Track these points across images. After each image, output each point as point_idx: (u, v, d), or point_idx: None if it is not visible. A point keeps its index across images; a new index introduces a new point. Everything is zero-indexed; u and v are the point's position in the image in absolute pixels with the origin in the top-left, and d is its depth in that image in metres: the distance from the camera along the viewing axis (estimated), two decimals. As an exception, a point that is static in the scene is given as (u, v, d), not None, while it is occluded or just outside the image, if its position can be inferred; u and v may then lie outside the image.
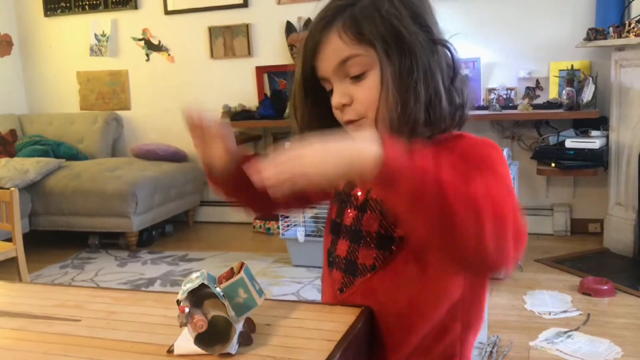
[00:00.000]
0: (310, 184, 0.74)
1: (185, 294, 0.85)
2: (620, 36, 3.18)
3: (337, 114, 0.97)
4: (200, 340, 0.83)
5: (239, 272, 0.89)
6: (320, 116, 1.00)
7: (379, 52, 0.90)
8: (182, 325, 0.83)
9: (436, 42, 0.92)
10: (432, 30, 0.93)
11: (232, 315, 0.85)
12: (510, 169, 0.88)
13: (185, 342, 0.84)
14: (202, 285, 0.85)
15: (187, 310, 0.82)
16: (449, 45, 0.94)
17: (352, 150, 0.75)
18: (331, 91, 0.97)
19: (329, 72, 0.94)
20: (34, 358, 0.85)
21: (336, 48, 0.92)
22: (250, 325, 0.91)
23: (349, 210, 1.02)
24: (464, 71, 0.96)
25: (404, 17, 0.90)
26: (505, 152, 3.11)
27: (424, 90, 0.90)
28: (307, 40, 0.95)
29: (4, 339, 0.93)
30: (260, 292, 0.90)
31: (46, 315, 1.00)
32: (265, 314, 0.97)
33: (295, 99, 1.00)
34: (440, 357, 0.95)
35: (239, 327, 0.86)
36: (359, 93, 0.93)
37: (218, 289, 0.86)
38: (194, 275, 0.89)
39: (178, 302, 0.85)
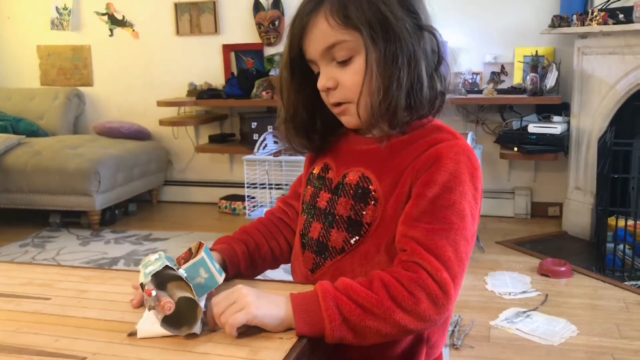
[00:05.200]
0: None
1: (149, 277, 0.84)
2: (583, 24, 3.25)
3: (323, 96, 0.99)
4: (166, 322, 0.82)
5: (197, 252, 0.90)
6: (306, 97, 1.01)
7: (365, 38, 0.90)
8: (150, 308, 0.83)
9: (423, 29, 0.93)
10: (419, 15, 0.93)
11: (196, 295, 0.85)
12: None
13: (149, 324, 0.83)
14: (165, 267, 0.85)
15: (154, 293, 0.82)
16: (434, 31, 0.94)
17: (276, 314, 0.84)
18: (318, 73, 0.97)
19: (316, 56, 0.95)
20: (4, 336, 0.84)
21: (323, 32, 0.93)
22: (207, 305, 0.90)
23: (323, 193, 1.03)
24: (452, 62, 0.97)
25: (392, 2, 0.91)
26: (469, 136, 3.16)
27: (407, 77, 0.91)
28: (295, 21, 0.96)
29: (-29, 317, 0.91)
30: (220, 271, 0.91)
31: (14, 293, 0.99)
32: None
33: (282, 80, 1.01)
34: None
35: (202, 307, 0.86)
36: (345, 77, 0.94)
37: (181, 270, 0.87)
38: (153, 257, 0.89)
39: (142, 285, 0.85)
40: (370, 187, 0.96)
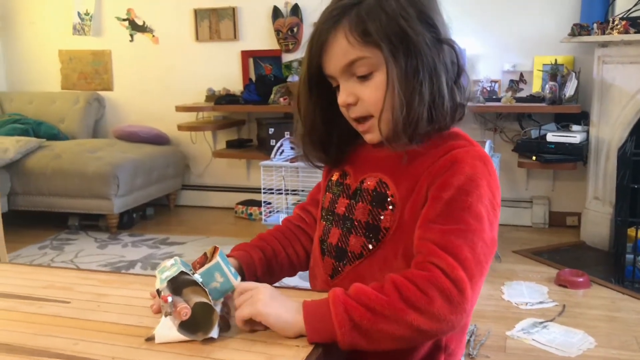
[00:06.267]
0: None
1: (165, 283, 0.85)
2: (603, 33, 3.22)
3: (344, 111, 0.99)
4: (183, 327, 0.83)
5: (212, 256, 0.90)
6: (323, 111, 1.02)
7: (385, 54, 0.90)
8: (166, 314, 0.83)
9: (442, 42, 0.93)
10: (438, 29, 0.93)
11: (212, 300, 0.85)
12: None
13: (166, 329, 0.84)
14: (181, 272, 0.86)
15: (170, 299, 0.83)
16: (453, 44, 0.94)
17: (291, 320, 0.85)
18: (337, 87, 0.98)
19: (336, 72, 0.95)
20: (24, 339, 0.86)
21: (343, 49, 0.93)
22: (227, 308, 0.91)
23: (342, 199, 1.04)
24: (468, 69, 0.97)
25: (411, 17, 0.91)
26: (487, 144, 3.15)
27: (428, 91, 0.91)
28: (314, 38, 0.96)
29: (-7, 319, 0.93)
30: (235, 274, 0.91)
31: (35, 296, 1.00)
32: None
33: (300, 95, 1.02)
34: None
35: (218, 311, 0.86)
36: (365, 93, 0.94)
37: (197, 275, 0.87)
38: (168, 263, 0.89)
39: (158, 291, 0.85)
40: (387, 192, 0.97)
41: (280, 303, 0.85)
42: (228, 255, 1.02)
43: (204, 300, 0.84)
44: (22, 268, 1.17)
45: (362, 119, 0.98)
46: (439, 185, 0.91)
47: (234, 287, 0.89)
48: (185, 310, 0.81)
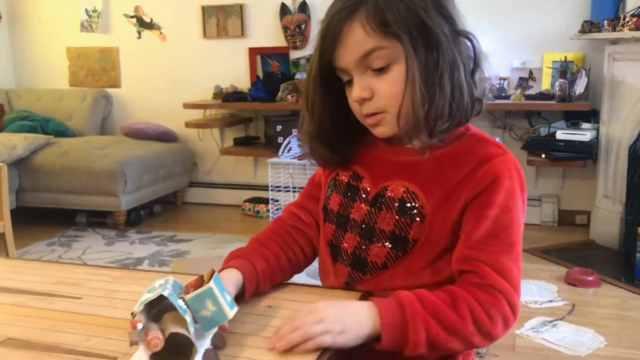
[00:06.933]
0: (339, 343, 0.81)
1: (142, 306, 0.74)
2: (614, 30, 3.20)
3: (355, 107, 0.95)
4: (156, 359, 0.73)
5: (208, 281, 0.79)
6: (331, 108, 0.97)
7: (405, 45, 0.87)
8: (132, 344, 0.72)
9: (459, 34, 0.91)
10: (455, 21, 0.91)
11: (194, 331, 0.75)
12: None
13: (142, 358, 0.74)
14: (160, 296, 0.75)
15: (139, 326, 0.72)
16: (471, 36, 0.92)
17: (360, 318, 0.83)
18: (348, 83, 0.94)
19: (350, 64, 0.91)
20: (36, 334, 0.85)
21: (360, 40, 0.89)
22: (220, 341, 0.81)
23: (358, 204, 0.99)
24: (484, 64, 0.94)
25: (429, 7, 0.88)
26: (507, 150, 3.13)
27: (449, 84, 0.88)
28: (327, 29, 0.91)
29: (5, 314, 0.93)
30: (232, 304, 0.80)
31: (46, 292, 1.00)
32: (267, 295, 0.98)
33: (309, 91, 0.97)
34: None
35: (204, 344, 0.77)
36: (382, 87, 0.90)
37: (179, 302, 0.76)
38: (158, 283, 0.79)
39: (133, 315, 0.74)
40: (417, 203, 0.93)
41: (353, 319, 0.83)
42: (228, 265, 0.96)
43: (182, 331, 0.73)
44: (33, 264, 1.17)
45: (374, 115, 0.94)
46: (482, 203, 0.90)
47: (228, 319, 0.79)
48: (155, 340, 0.71)
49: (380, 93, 0.91)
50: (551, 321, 2.44)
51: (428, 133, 0.91)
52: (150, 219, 4.19)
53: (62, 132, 4.33)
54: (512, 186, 0.91)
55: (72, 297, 0.98)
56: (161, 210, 4.33)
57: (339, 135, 1.00)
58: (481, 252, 0.88)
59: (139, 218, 4.06)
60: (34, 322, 0.89)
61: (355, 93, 0.92)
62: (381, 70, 0.90)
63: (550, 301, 2.64)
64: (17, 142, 3.83)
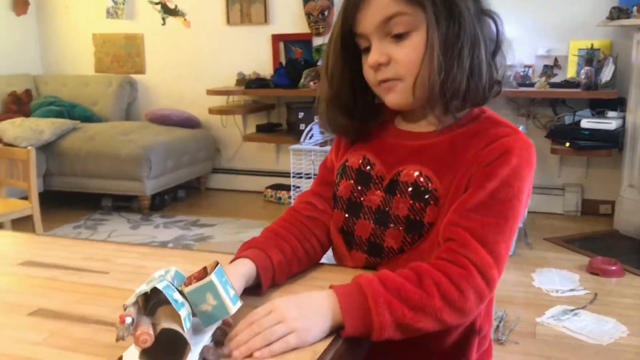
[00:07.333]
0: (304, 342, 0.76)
1: (134, 298, 0.69)
2: (643, 16, 3.14)
3: (369, 73, 0.94)
4: (147, 356, 0.68)
5: (211, 272, 0.73)
6: (351, 76, 0.97)
7: (428, 14, 0.87)
8: (118, 339, 0.66)
9: (484, 13, 0.90)
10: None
11: (190, 327, 0.70)
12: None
13: (136, 354, 0.69)
14: (154, 288, 0.69)
15: (128, 320, 0.66)
16: (495, 17, 0.91)
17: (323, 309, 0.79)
18: (366, 49, 0.94)
19: (371, 29, 0.91)
20: (67, 305, 0.88)
21: (383, 3, 0.89)
22: (222, 337, 0.76)
23: (373, 191, 0.98)
24: (506, 47, 0.93)
25: None
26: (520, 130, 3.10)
27: (468, 60, 0.88)
28: None
29: (37, 287, 0.96)
30: (234, 298, 0.74)
31: (76, 267, 1.03)
32: (279, 288, 0.94)
33: (329, 55, 0.97)
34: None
35: (202, 340, 0.72)
36: (400, 53, 0.90)
37: (175, 295, 0.70)
38: (157, 273, 0.74)
39: (125, 307, 0.69)
40: (430, 186, 0.92)
41: (314, 313, 0.78)
42: (243, 256, 0.91)
43: (175, 327, 0.68)
44: (63, 240, 1.21)
45: (387, 81, 0.93)
46: (486, 173, 0.88)
47: (230, 314, 0.74)
48: (144, 336, 0.65)
49: (398, 59, 0.91)
50: (572, 310, 2.43)
51: (443, 107, 0.91)
52: (174, 204, 4.24)
53: (88, 117, 4.40)
54: (520, 165, 0.89)
55: (100, 272, 1.01)
56: (185, 196, 4.39)
57: (357, 103, 0.99)
58: (469, 220, 0.86)
59: (163, 203, 4.11)
60: (64, 295, 0.92)
61: (372, 58, 0.92)
62: (400, 37, 0.90)
63: (572, 290, 2.63)
64: (44, 127, 3.90)
